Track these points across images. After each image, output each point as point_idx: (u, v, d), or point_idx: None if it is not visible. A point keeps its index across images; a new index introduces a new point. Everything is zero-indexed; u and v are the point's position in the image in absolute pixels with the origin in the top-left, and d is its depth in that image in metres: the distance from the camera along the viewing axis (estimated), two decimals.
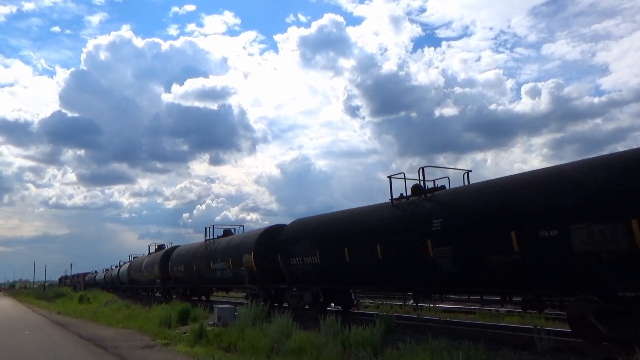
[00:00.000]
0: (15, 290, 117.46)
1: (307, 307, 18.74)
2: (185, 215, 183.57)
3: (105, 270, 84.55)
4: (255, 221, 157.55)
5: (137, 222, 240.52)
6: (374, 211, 15.44)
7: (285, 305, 21.58)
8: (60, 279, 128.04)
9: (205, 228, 28.41)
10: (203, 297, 31.48)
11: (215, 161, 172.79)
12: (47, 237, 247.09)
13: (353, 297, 19.45)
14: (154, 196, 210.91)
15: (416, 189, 14.74)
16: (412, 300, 17.84)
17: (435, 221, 12.64)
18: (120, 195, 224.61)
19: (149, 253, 38.71)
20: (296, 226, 19.61)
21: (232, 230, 27.71)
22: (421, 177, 14.23)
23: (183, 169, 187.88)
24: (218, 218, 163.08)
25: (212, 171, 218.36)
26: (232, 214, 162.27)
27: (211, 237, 27.80)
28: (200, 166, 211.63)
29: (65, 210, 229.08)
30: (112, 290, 56.78)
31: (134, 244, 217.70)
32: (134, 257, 49.33)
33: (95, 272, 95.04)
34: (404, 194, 14.85)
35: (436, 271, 12.64)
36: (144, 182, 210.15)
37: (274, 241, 21.26)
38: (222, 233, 27.76)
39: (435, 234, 12.54)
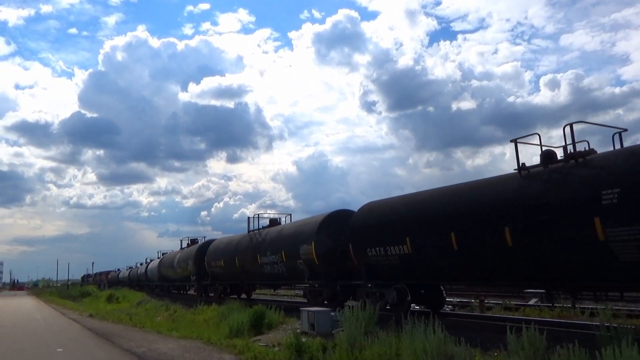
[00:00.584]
0: (39, 289, 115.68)
1: (387, 307, 15.41)
2: (204, 213, 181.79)
3: (129, 267, 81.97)
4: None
5: (156, 221, 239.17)
6: (494, 185, 12.03)
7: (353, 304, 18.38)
8: (83, 278, 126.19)
9: (249, 218, 25.26)
10: (243, 296, 28.35)
11: (232, 159, 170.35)
12: (68, 236, 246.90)
13: (444, 294, 16.11)
14: (172, 195, 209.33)
15: (550, 155, 11.31)
16: (533, 300, 14.34)
17: (606, 192, 9.21)
18: (139, 194, 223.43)
19: (181, 248, 35.63)
20: (375, 209, 16.24)
21: (279, 220, 24.50)
22: (568, 139, 10.70)
23: (201, 167, 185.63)
24: (236, 215, 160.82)
25: (229, 169, 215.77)
26: (249, 211, 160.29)
27: (256, 228, 24.64)
28: (217, 164, 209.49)
29: (85, 209, 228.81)
30: (138, 288, 54.01)
31: (153, 242, 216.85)
32: (162, 254, 46.39)
33: (118, 269, 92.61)
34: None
35: (610, 260, 9.22)
36: (162, 181, 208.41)
37: (341, 228, 18.00)
38: (269, 223, 24.56)
39: (608, 209, 9.12)
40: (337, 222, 18.71)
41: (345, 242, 18.08)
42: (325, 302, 18.91)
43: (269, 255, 21.53)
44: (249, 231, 24.99)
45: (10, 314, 24.94)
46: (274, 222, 24.49)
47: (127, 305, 29.34)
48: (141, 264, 67.29)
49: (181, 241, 36.12)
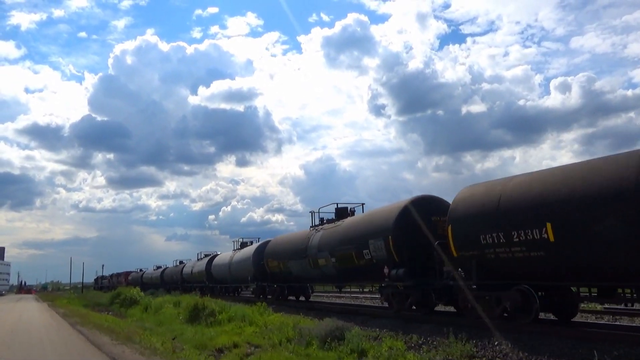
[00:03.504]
0: (48, 292, 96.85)
1: None
2: (211, 217, 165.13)
3: (157, 267, 64.12)
4: (281, 222, 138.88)
5: (164, 225, 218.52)
6: None
7: None
8: (96, 279, 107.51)
9: None
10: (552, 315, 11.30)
11: (241, 163, 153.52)
12: (77, 239, 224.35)
13: None
14: (180, 198, 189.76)
15: None
16: None
17: None
18: (148, 197, 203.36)
19: (314, 226, 18.41)
20: None
21: None
22: None
23: (210, 171, 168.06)
24: (244, 219, 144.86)
25: (237, 173, 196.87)
26: (257, 215, 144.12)
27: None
28: (226, 168, 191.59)
29: (94, 213, 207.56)
30: (180, 290, 36.76)
31: (161, 246, 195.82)
32: (241, 244, 29.03)
33: (141, 270, 74.44)
34: None
35: None
36: (171, 185, 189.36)
37: None
38: None
39: None
40: None
41: None
42: None
43: None
44: None
45: None
46: None
47: (258, 333, 12.11)
48: (180, 262, 49.55)
49: (313, 214, 18.89)
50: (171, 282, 47.79)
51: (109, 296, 30.61)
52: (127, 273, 78.69)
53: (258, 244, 23.91)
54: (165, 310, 19.01)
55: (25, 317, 20.64)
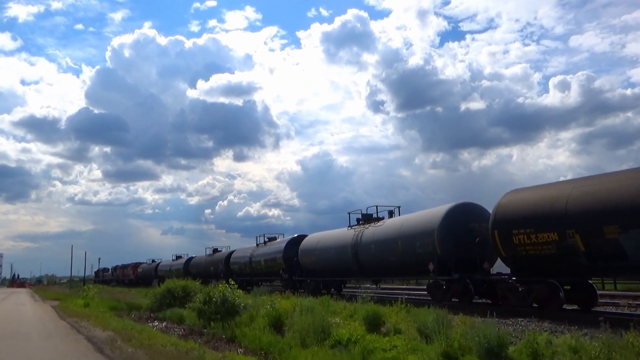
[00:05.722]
0: (44, 286, 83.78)
1: None
2: (207, 211, 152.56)
3: (177, 256, 52.60)
4: (278, 217, 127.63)
5: (160, 218, 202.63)
6: None
7: None
8: (97, 272, 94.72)
9: None
10: None
11: (239, 157, 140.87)
12: (72, 232, 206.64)
13: None
14: (177, 192, 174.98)
15: None
16: None
17: None
18: (144, 191, 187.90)
19: None
20: None
21: None
22: None
23: (207, 165, 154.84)
24: (240, 214, 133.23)
25: (233, 167, 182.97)
26: (253, 209, 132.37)
27: None
28: (223, 162, 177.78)
29: (90, 206, 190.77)
30: (239, 286, 26.03)
31: (157, 240, 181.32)
32: (363, 213, 18.23)
33: (153, 260, 62.54)
34: None
35: None
36: (168, 179, 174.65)
37: None
38: None
39: None
40: None
41: None
42: None
43: None
44: None
45: None
46: None
47: None
48: (214, 250, 38.28)
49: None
50: (204, 274, 36.43)
51: (152, 295, 19.40)
52: (136, 264, 66.41)
53: (448, 206, 12.96)
54: (357, 338, 8.20)
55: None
